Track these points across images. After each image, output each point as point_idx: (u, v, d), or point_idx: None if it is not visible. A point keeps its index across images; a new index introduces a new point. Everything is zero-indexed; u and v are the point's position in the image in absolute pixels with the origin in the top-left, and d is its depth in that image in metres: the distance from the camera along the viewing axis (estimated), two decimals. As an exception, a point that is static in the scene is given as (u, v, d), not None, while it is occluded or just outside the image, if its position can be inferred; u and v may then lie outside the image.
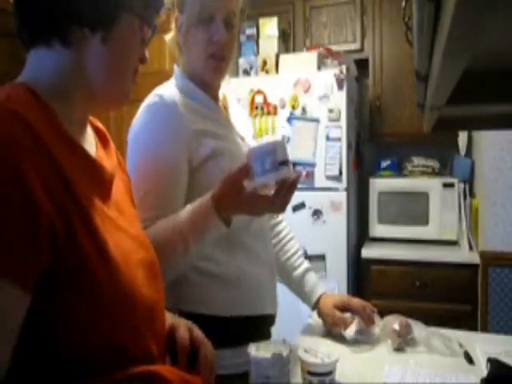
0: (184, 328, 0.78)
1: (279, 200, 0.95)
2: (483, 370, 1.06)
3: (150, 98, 1.09)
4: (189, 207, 1.00)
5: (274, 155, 0.91)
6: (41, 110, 0.62)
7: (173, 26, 1.15)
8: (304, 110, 2.51)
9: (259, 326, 1.17)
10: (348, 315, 1.27)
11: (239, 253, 1.13)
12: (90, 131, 0.76)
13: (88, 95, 0.69)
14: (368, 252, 2.54)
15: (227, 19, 1.08)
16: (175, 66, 1.18)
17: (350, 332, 1.25)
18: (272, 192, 0.96)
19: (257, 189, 0.94)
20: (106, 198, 0.70)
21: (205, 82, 1.14)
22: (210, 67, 1.10)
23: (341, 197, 2.46)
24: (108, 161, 0.76)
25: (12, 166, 0.53)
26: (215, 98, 1.19)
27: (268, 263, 1.21)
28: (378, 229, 2.70)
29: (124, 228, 0.70)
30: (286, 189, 0.94)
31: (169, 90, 1.11)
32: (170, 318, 0.81)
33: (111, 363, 0.61)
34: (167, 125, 1.07)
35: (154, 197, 1.04)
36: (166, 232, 0.99)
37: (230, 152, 1.12)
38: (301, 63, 2.60)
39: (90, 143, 0.74)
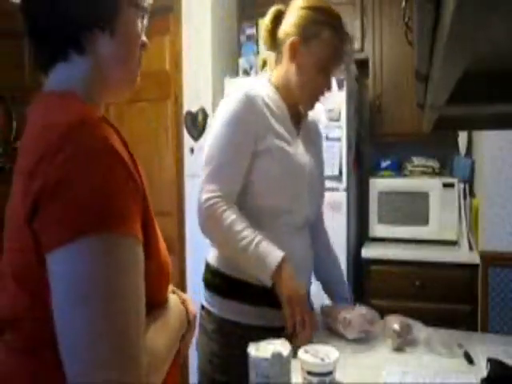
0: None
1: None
2: (483, 370, 1.06)
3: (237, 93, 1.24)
4: (261, 247, 1.16)
5: None
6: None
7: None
8: (304, 110, 2.50)
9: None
10: (349, 315, 1.27)
11: None
12: None
13: (105, 93, 0.76)
14: (368, 252, 2.54)
15: (334, 74, 1.28)
16: (265, 74, 1.39)
17: (351, 331, 1.25)
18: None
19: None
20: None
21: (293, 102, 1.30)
22: (310, 103, 1.30)
23: (341, 197, 2.45)
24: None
25: (120, 160, 0.63)
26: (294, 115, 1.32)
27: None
28: (378, 229, 2.70)
29: None
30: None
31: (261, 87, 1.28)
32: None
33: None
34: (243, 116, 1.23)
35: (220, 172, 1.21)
36: (234, 231, 1.16)
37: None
38: (301, 63, 2.59)
39: None
